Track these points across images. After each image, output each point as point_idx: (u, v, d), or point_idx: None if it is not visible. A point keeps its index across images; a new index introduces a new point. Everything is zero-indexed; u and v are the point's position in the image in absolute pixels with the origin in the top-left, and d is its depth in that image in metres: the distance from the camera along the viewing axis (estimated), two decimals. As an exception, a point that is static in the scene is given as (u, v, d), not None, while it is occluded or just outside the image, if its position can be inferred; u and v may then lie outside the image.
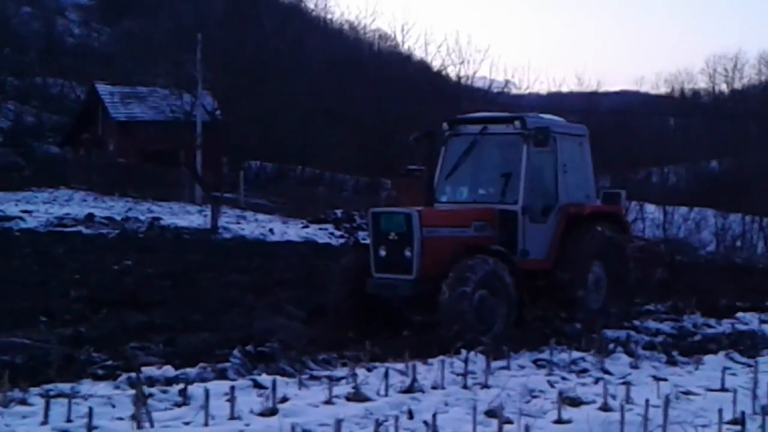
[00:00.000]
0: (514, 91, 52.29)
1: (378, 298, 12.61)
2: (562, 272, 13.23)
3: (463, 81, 47.63)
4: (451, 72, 49.03)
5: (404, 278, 12.30)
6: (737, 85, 70.45)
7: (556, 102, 52.71)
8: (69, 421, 7.39)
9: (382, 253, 12.50)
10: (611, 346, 12.05)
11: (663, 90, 74.04)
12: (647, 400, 7.39)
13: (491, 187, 13.81)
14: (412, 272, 12.24)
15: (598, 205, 14.41)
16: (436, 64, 52.97)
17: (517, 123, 13.24)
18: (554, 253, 13.31)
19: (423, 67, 55.66)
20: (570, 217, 13.46)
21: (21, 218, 29.42)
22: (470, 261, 12.00)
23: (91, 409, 7.10)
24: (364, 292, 12.58)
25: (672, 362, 11.55)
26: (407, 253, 12.25)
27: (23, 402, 8.03)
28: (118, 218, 31.71)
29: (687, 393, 9.41)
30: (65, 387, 8.61)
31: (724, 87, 71.98)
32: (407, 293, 12.33)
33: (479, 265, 12.00)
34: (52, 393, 8.16)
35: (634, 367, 11.12)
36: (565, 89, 56.26)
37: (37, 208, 32.88)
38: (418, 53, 63.62)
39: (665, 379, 10.14)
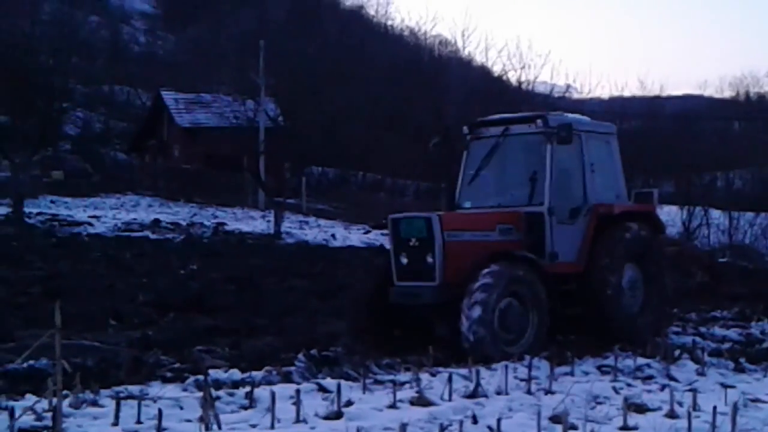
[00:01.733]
0: (575, 95, 52.00)
1: (401, 308, 12.04)
2: (593, 275, 12.62)
3: (524, 86, 47.43)
4: (512, 77, 48.87)
5: (427, 285, 11.78)
6: (803, 88, 69.13)
7: (618, 106, 52.29)
8: (139, 422, 7.52)
9: (404, 260, 12.03)
10: (677, 352, 11.93)
11: (727, 94, 73.02)
12: (715, 407, 7.30)
13: (516, 189, 13.19)
14: (435, 279, 11.74)
15: (629, 205, 13.76)
16: (496, 69, 52.88)
17: (539, 122, 12.69)
18: (585, 255, 12.72)
19: (484, 72, 55.57)
20: (600, 218, 12.87)
21: (89, 224, 30.02)
22: (494, 267, 11.48)
23: (160, 410, 7.21)
24: (388, 301, 12.06)
25: (739, 369, 11.38)
26: (429, 260, 11.77)
27: (94, 403, 8.17)
28: (184, 223, 32.18)
29: (755, 400, 9.26)
30: (135, 389, 8.76)
31: (789, 90, 70.68)
32: (430, 301, 11.76)
33: (503, 271, 11.50)
34: (122, 395, 8.30)
35: (701, 374, 10.96)
36: (627, 93, 55.79)
37: (105, 214, 33.52)
38: (479, 58, 63.71)
39: (733, 387, 9.99)
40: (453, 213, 13.19)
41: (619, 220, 13.06)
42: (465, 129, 13.55)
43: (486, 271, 11.36)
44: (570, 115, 13.82)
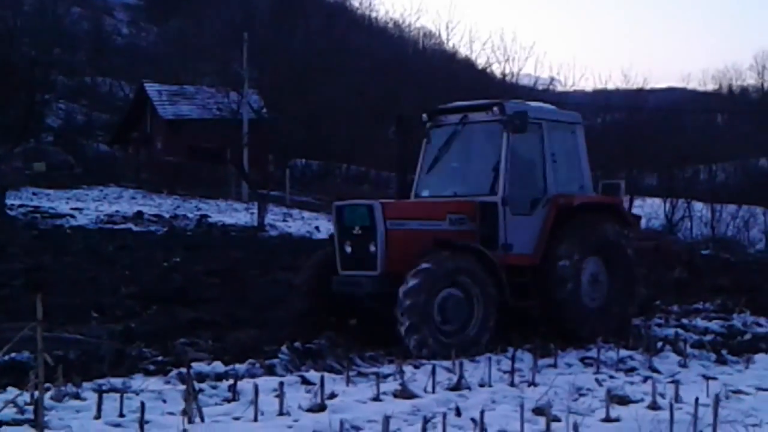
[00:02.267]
0: (559, 88, 52.16)
1: (344, 297, 11.78)
2: (548, 268, 12.22)
3: (508, 78, 47.72)
4: (496, 69, 49.15)
5: (368, 275, 11.48)
6: (787, 82, 69.50)
7: (602, 99, 52.46)
8: (121, 415, 7.50)
9: (348, 249, 11.74)
10: (659, 344, 11.98)
11: (711, 87, 73.39)
12: (697, 399, 7.33)
13: (473, 178, 12.86)
14: (377, 268, 11.43)
15: (592, 196, 13.30)
16: (481, 62, 53.14)
17: (495, 109, 12.31)
18: (542, 247, 12.29)
19: (468, 64, 55.74)
20: (560, 209, 12.44)
21: (72, 216, 29.88)
22: (434, 256, 11.16)
23: (143, 403, 7.19)
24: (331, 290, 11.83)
25: (722, 361, 11.44)
26: (371, 248, 11.45)
27: (77, 396, 8.16)
28: (167, 216, 32.08)
29: (737, 392, 9.31)
30: (117, 382, 8.75)
31: (773, 83, 71.02)
32: (371, 290, 11.45)
33: (444, 260, 11.19)
34: (104, 388, 8.29)
35: (683, 365, 11.02)
36: (611, 86, 56.00)
37: (88, 206, 33.37)
38: (463, 51, 63.81)
39: (715, 378, 10.05)
40: (398, 201, 12.86)
41: (582, 212, 12.70)
42: (424, 116, 13.25)
43: (426, 259, 11.07)
44: (532, 104, 13.50)
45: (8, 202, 29.52)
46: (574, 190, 12.97)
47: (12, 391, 8.02)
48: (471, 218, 12.19)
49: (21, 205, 30.82)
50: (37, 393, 6.42)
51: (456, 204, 12.37)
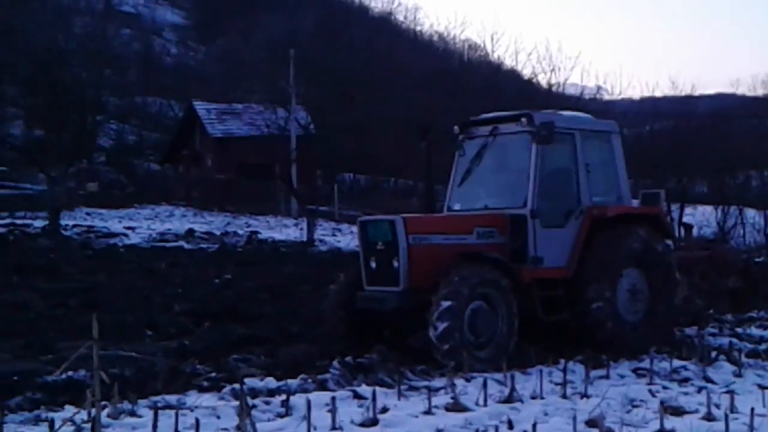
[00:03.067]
0: (606, 97, 51.79)
1: (370, 314, 11.64)
2: (581, 281, 12.02)
3: (554, 89, 47.37)
4: (542, 80, 48.87)
5: (392, 290, 11.34)
6: (836, 84, 68.27)
7: (649, 107, 51.98)
8: (177, 431, 7.59)
9: (372, 264, 11.64)
10: (713, 354, 11.84)
11: (760, 92, 72.16)
12: (753, 409, 7.25)
13: (505, 191, 12.68)
14: (399, 284, 11.30)
15: (628, 206, 13.04)
16: (526, 73, 52.89)
17: (524, 120, 12.15)
18: (575, 260, 12.12)
19: (513, 75, 55.55)
20: (594, 221, 12.25)
21: (125, 234, 30.27)
22: (459, 271, 10.98)
23: (197, 420, 7.26)
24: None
25: (777, 370, 11.29)
26: (394, 264, 11.33)
27: (132, 414, 8.27)
28: (218, 233, 32.37)
29: (793, 402, 9.19)
30: (172, 399, 8.84)
31: (823, 86, 69.79)
32: (394, 306, 11.30)
33: (471, 274, 11.01)
34: (159, 405, 8.37)
35: (738, 375, 10.89)
36: (658, 93, 55.46)
37: (140, 225, 33.80)
38: (508, 62, 63.61)
39: (771, 388, 9.92)
40: (421, 216, 12.76)
41: (619, 223, 12.48)
42: (456, 129, 13.17)
43: (451, 276, 10.94)
44: (564, 113, 13.32)
45: (63, 222, 29.99)
46: (611, 201, 12.82)
47: (69, 410, 8.17)
48: (501, 232, 12.06)
49: (75, 225, 31.29)
50: (94, 411, 6.52)
51: (484, 217, 12.25)
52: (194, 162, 51.21)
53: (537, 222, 11.96)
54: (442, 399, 8.98)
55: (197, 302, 16.09)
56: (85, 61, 50.39)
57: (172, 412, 7.89)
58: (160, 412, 7.82)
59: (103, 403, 7.62)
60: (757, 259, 29.42)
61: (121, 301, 16.00)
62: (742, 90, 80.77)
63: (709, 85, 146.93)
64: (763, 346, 13.08)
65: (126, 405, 8.39)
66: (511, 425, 7.93)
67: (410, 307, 11.22)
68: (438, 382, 10.00)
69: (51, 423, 6.97)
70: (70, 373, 9.28)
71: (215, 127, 48.61)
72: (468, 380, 9.98)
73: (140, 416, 8.17)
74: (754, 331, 14.64)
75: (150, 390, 9.23)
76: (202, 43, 74.74)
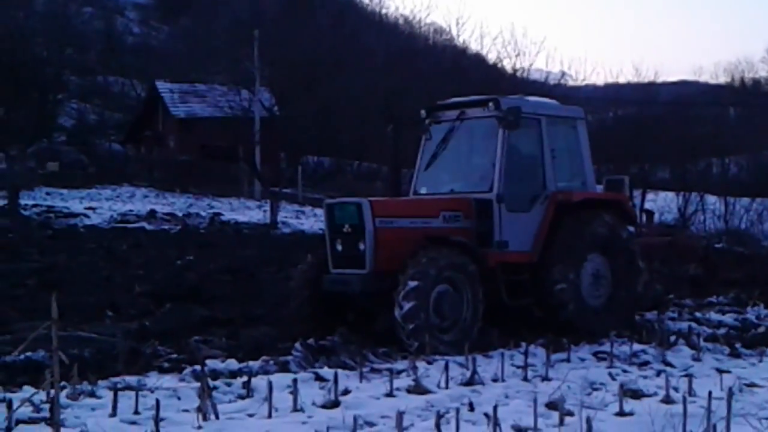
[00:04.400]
0: (570, 83, 52.02)
1: (335, 296, 11.66)
2: (545, 265, 12.08)
3: (519, 74, 47.49)
4: (507, 65, 48.95)
5: (358, 273, 11.37)
6: (799, 74, 69.19)
7: (613, 93, 52.29)
8: (137, 413, 7.55)
9: (338, 247, 11.64)
10: (673, 338, 11.96)
11: (722, 80, 72.96)
12: (710, 393, 7.32)
13: (471, 175, 12.68)
14: (365, 266, 11.32)
15: (592, 192, 13.11)
16: (491, 57, 52.99)
17: (491, 105, 12.14)
18: (539, 244, 12.17)
19: (478, 60, 55.56)
20: (558, 206, 12.29)
21: (85, 215, 30.03)
22: (428, 253, 11.02)
23: (158, 401, 7.22)
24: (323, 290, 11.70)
25: (735, 354, 11.43)
26: (361, 246, 11.34)
27: (92, 395, 8.20)
28: (180, 214, 32.20)
29: (751, 385, 9.32)
30: (132, 380, 8.78)
31: (785, 75, 70.69)
32: (360, 289, 11.33)
33: (439, 256, 11.06)
34: (119, 386, 8.32)
35: (697, 359, 11.02)
36: (622, 80, 55.73)
37: (101, 205, 33.53)
38: (474, 46, 63.84)
39: (728, 372, 10.03)
40: (388, 199, 12.76)
41: (583, 209, 12.54)
42: (423, 113, 13.16)
43: (418, 257, 10.98)
44: (531, 99, 13.31)
45: (22, 202, 29.68)
46: (576, 186, 12.87)
47: (28, 390, 8.09)
48: (467, 216, 12.10)
49: (35, 205, 30.97)
50: (52, 391, 6.47)
51: (450, 201, 12.28)
52: (157, 143, 50.82)
53: (502, 206, 11.99)
54: (403, 381, 9.01)
55: (158, 284, 16.00)
56: (46, 39, 49.81)
57: (132, 393, 7.86)
58: (120, 393, 7.80)
59: (62, 383, 7.57)
60: (716, 245, 29.80)
61: (82, 282, 15.87)
62: (705, 78, 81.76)
63: (672, 73, 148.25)
64: (721, 331, 13.22)
65: (85, 386, 8.33)
66: (472, 407, 7.96)
67: (375, 290, 11.24)
68: (400, 365, 10.02)
69: (9, 403, 6.91)
70: (28, 353, 9.20)
71: (178, 108, 48.25)
72: (430, 363, 10.00)
73: (100, 397, 8.12)
74: (713, 316, 14.79)
75: (110, 371, 9.17)
76: (165, 22, 73.99)
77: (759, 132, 54.48)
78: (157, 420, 7.02)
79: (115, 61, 60.82)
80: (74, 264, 18.57)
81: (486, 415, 7.21)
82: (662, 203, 40.69)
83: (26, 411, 7.30)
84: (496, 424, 6.89)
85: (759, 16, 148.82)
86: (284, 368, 9.81)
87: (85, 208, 31.72)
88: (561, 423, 7.22)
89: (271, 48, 43.18)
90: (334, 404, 8.02)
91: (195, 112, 47.59)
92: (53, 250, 20.59)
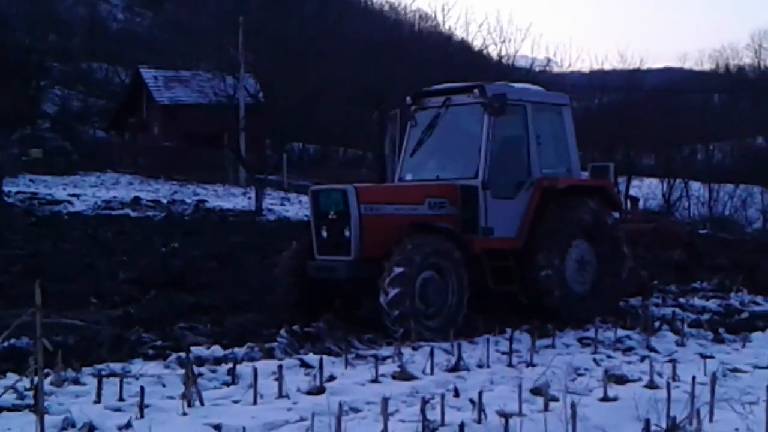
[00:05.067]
0: (555, 69, 52.05)
1: (320, 283, 11.66)
2: (530, 252, 12.13)
3: (504, 60, 47.55)
4: (493, 51, 49.02)
5: (343, 260, 11.37)
6: (783, 60, 69.49)
7: (598, 80, 52.36)
8: (121, 399, 7.53)
9: (323, 234, 11.64)
10: (657, 323, 12.01)
11: (707, 66, 73.29)
12: (694, 378, 7.36)
13: (457, 162, 12.70)
14: (351, 253, 11.33)
15: (578, 179, 13.17)
16: (477, 44, 53.08)
17: (476, 91, 12.15)
18: (525, 231, 12.21)
19: (464, 47, 55.58)
20: (544, 192, 12.33)
21: (69, 202, 29.88)
22: (413, 240, 11.04)
23: (142, 388, 7.23)
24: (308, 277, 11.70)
25: (719, 340, 11.48)
26: (346, 233, 11.34)
27: (76, 381, 8.18)
28: (164, 201, 32.09)
29: (734, 370, 9.36)
30: (117, 367, 8.78)
31: (769, 62, 71.01)
32: (345, 276, 11.33)
33: (424, 243, 11.09)
34: (104, 372, 8.29)
35: (681, 344, 11.06)
36: (607, 67, 55.95)
37: (85, 192, 33.37)
38: (459, 33, 63.88)
39: (712, 357, 10.09)
40: (373, 186, 12.76)
41: (568, 195, 12.57)
42: (408, 99, 13.16)
43: (404, 244, 10.99)
44: (516, 85, 13.34)
45: (5, 188, 29.49)
46: (561, 173, 12.89)
47: (12, 377, 8.07)
48: (452, 202, 12.11)
49: (18, 192, 30.80)
50: (36, 378, 6.42)
51: (436, 188, 12.28)
52: (141, 129, 50.60)
53: (488, 193, 12.01)
54: (389, 368, 9.01)
55: (143, 271, 15.96)
56: (29, 26, 49.43)
57: (117, 380, 7.85)
58: (104, 380, 7.77)
59: (46, 370, 7.53)
60: (701, 231, 29.97)
61: (66, 269, 15.80)
62: (690, 64, 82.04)
63: (657, 59, 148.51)
64: (705, 317, 13.30)
65: (70, 373, 8.31)
66: (457, 393, 7.98)
67: (361, 277, 11.25)
68: (385, 351, 10.03)
69: (-8, 390, 6.88)
70: (12, 340, 9.19)
71: (162, 95, 48.03)
72: (415, 349, 10.02)
73: (84, 384, 8.10)
74: (697, 301, 14.86)
75: (94, 358, 9.15)
76: (149, 8, 73.59)
77: (743, 119, 54.72)
78: (142, 406, 7.03)
79: (99, 48, 60.46)
80: (58, 251, 18.49)
81: (471, 400, 7.23)
82: (647, 190, 40.89)
83: (10, 398, 7.27)
84: (481, 409, 6.91)
85: (743, 3, 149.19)
86: (269, 355, 9.80)
87: (69, 195, 31.56)
88: (546, 408, 7.24)
89: (256, 34, 43.01)
90: (320, 390, 8.02)
91: (179, 99, 47.38)
92: (37, 237, 20.49)
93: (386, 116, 13.11)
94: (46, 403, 6.71)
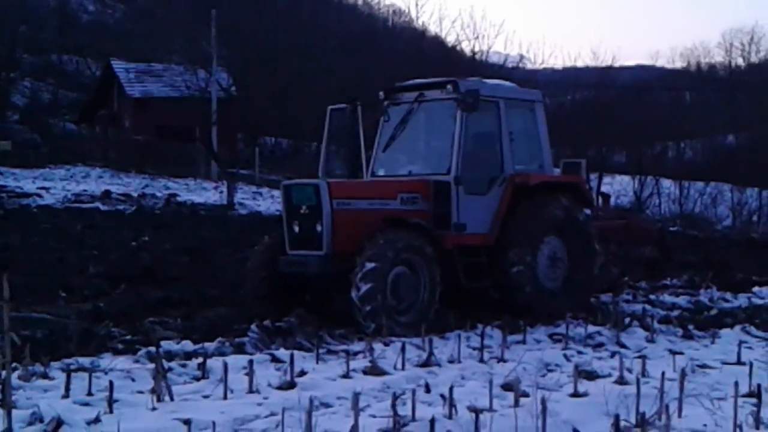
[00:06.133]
0: (528, 66, 52.12)
1: (292, 278, 11.64)
2: (502, 248, 12.18)
3: (477, 56, 47.48)
4: (466, 47, 49.05)
5: (315, 254, 11.35)
6: (754, 59, 70.26)
7: (571, 77, 52.55)
8: (90, 394, 7.46)
9: (295, 228, 11.62)
10: (627, 320, 12.08)
11: (679, 64, 73.87)
12: (663, 374, 7.40)
13: (429, 157, 12.77)
14: (323, 248, 11.32)
15: (550, 175, 13.21)
16: (450, 40, 52.85)
17: (449, 87, 12.15)
18: (497, 227, 12.26)
19: (437, 42, 55.43)
20: (516, 188, 12.38)
21: (39, 195, 29.59)
22: (385, 235, 11.05)
23: (111, 382, 7.16)
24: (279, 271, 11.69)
25: (688, 336, 11.57)
26: (318, 228, 11.35)
27: (44, 376, 8.10)
28: (135, 195, 31.86)
29: (703, 366, 9.44)
30: (86, 361, 8.68)
31: (740, 61, 71.88)
32: (317, 271, 11.32)
33: (396, 238, 11.08)
34: (72, 367, 8.23)
35: (650, 341, 11.14)
36: (580, 64, 56.22)
37: (55, 185, 33.05)
38: (433, 29, 63.90)
39: (681, 353, 10.16)
40: (345, 181, 12.77)
41: (541, 192, 12.61)
42: (381, 94, 13.15)
43: (376, 239, 11.00)
44: (489, 81, 13.31)
45: (-27, 181, 29.20)
46: (534, 169, 12.93)
47: (-22, 372, 7.96)
48: (424, 198, 12.12)
49: (-14, 185, 30.48)
50: (4, 373, 6.37)
51: (408, 183, 12.29)
52: (112, 122, 50.20)
53: (460, 189, 12.04)
54: (360, 363, 9.00)
55: (113, 264, 15.85)
56: (-1, 16, 48.92)
57: (86, 374, 7.77)
58: (73, 374, 7.70)
59: (13, 365, 7.46)
60: (671, 228, 30.16)
61: (34, 263, 15.65)
62: (662, 62, 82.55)
63: (629, 57, 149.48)
64: (674, 313, 13.39)
65: (38, 367, 8.22)
66: (428, 389, 7.97)
67: (333, 272, 11.24)
68: (356, 346, 10.02)
69: (-42, 385, 6.79)
70: (-21, 334, 9.05)
71: (134, 88, 47.66)
72: (386, 344, 10.00)
73: (52, 378, 8.02)
74: (667, 298, 14.97)
75: (63, 352, 9.05)
76: (120, 0, 73.01)
77: (714, 117, 55.15)
78: (111, 401, 6.97)
79: (69, 40, 59.91)
80: (27, 244, 18.31)
81: (442, 396, 7.23)
82: (618, 186, 41.13)
83: (-24, 393, 7.17)
84: (452, 405, 6.91)
85: (715, 2, 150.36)
86: (240, 350, 9.76)
87: (38, 188, 31.25)
88: (516, 404, 7.26)
89: (229, 28, 42.80)
90: (290, 385, 7.99)
91: (151, 92, 47.05)
92: (5, 231, 20.27)
93: (356, 111, 13.05)
94: (13, 398, 6.63)
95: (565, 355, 9.99)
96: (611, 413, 6.46)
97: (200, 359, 8.70)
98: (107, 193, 31.04)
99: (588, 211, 13.60)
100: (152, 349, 8.96)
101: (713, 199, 40.55)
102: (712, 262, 19.19)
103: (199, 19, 43.64)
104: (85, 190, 31.87)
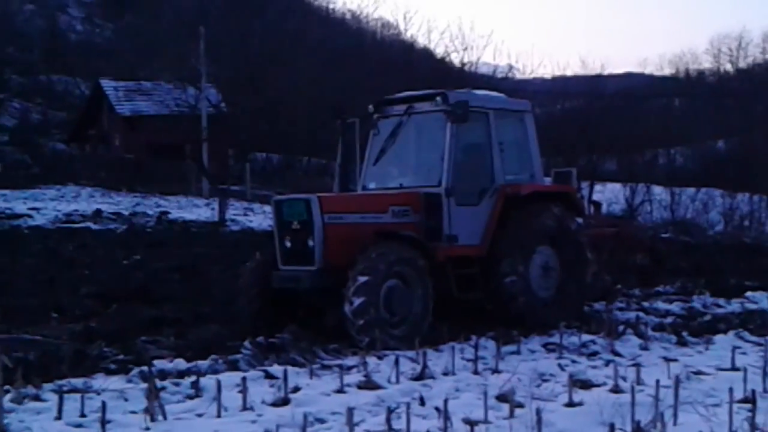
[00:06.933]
0: (518, 76, 52.26)
1: (284, 293, 11.63)
2: (494, 259, 12.17)
3: (467, 67, 47.58)
4: (455, 59, 49.04)
5: (307, 269, 11.36)
6: (742, 65, 70.57)
7: (560, 86, 52.68)
8: (83, 415, 7.43)
9: (287, 243, 11.63)
10: (621, 328, 12.06)
11: (667, 71, 74.04)
12: (658, 381, 7.40)
13: (420, 169, 12.76)
14: (315, 263, 11.33)
15: (541, 185, 13.22)
16: (439, 52, 53.02)
17: (438, 99, 12.14)
18: (488, 238, 12.26)
19: (426, 54, 55.59)
20: (507, 199, 12.38)
21: (29, 216, 29.50)
22: (377, 248, 11.04)
23: (104, 403, 7.13)
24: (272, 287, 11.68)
25: (682, 343, 11.57)
26: (310, 243, 11.35)
27: (37, 398, 8.06)
28: (126, 213, 31.78)
29: (698, 373, 9.42)
30: (78, 382, 8.65)
31: (728, 67, 72.09)
32: (310, 286, 11.32)
33: (388, 251, 11.09)
34: (65, 388, 8.20)
35: (644, 348, 11.13)
36: (569, 73, 56.35)
37: (45, 206, 32.95)
38: (421, 41, 63.82)
39: (675, 360, 10.15)
40: (336, 195, 12.77)
41: (532, 201, 12.61)
42: (370, 107, 13.16)
43: (368, 252, 10.98)
44: (478, 92, 13.33)
45: (-36, 203, 29.10)
46: (524, 179, 12.95)
47: (-30, 395, 7.91)
48: (416, 210, 12.11)
49: (-23, 207, 30.38)
50: (-5, 396, 6.34)
51: (399, 196, 12.28)
52: (102, 141, 50.15)
53: (451, 200, 12.04)
54: (354, 377, 8.98)
55: (105, 284, 15.80)
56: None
57: (78, 395, 7.74)
58: (65, 395, 7.67)
59: (5, 387, 7.43)
60: (663, 235, 30.17)
61: (26, 284, 15.62)
62: (650, 69, 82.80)
63: (618, 65, 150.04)
64: (668, 320, 13.39)
65: (30, 389, 8.18)
66: (423, 402, 7.96)
67: (325, 286, 11.23)
68: (350, 361, 9.99)
69: (-51, 409, 6.75)
70: (-30, 357, 9.00)
71: (123, 106, 47.64)
72: (380, 358, 9.99)
73: (45, 400, 7.98)
74: (660, 305, 14.97)
75: (55, 373, 9.00)
76: (109, 19, 72.97)
77: (704, 123, 55.32)
78: (104, 422, 6.93)
79: (58, 60, 59.88)
80: (18, 266, 18.25)
81: (437, 408, 7.21)
82: (610, 194, 41.16)
83: (-32, 416, 7.13)
84: (447, 417, 6.88)
85: (703, 9, 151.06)
86: (234, 367, 9.73)
87: (29, 209, 31.16)
88: (511, 415, 7.25)
89: (217, 44, 42.82)
90: (284, 402, 7.97)
91: (140, 110, 47.03)
92: (-4, 252, 20.20)
93: (346, 125, 13.06)
94: (6, 421, 6.61)
95: (559, 365, 9.97)
96: (606, 422, 6.44)
97: (194, 378, 8.67)
98: (98, 213, 30.97)
99: (580, 220, 13.62)
100: (145, 368, 8.94)
101: (704, 204, 40.58)
102: (704, 267, 19.23)
103: (188, 37, 43.67)
104: (76, 210, 31.78)
